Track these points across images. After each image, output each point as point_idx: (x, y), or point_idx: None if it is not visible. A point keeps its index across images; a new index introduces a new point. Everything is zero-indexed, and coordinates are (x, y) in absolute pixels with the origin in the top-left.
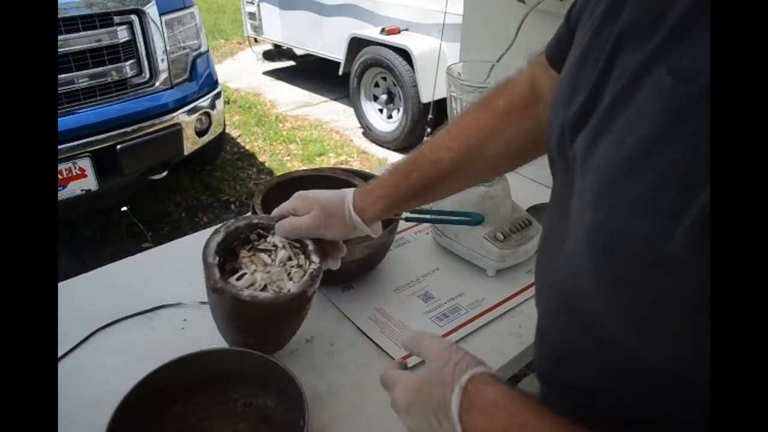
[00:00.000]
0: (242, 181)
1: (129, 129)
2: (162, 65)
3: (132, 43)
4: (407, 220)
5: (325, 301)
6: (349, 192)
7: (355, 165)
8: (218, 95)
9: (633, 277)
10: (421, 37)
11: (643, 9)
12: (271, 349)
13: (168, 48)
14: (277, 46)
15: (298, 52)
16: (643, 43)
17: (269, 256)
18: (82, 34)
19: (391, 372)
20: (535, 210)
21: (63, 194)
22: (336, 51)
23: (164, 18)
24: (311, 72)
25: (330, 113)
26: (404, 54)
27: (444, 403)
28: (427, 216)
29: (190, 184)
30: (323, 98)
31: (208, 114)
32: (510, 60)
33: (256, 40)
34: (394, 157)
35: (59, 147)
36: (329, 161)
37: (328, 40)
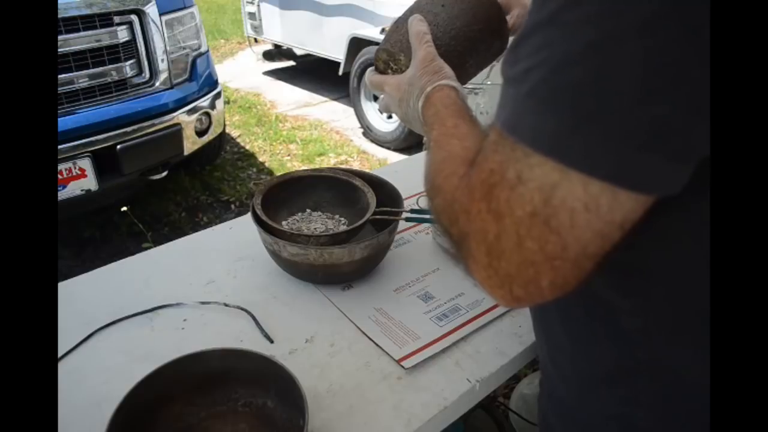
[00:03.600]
0: (242, 181)
1: (129, 129)
2: (162, 65)
3: (132, 43)
4: (407, 220)
5: (325, 301)
6: None
7: (355, 165)
8: (218, 95)
9: None
10: None
11: None
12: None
13: (168, 48)
14: (277, 46)
15: (298, 52)
16: None
17: None
18: (82, 34)
19: (376, 76)
20: None
21: (63, 194)
22: (336, 51)
23: (164, 18)
24: (311, 72)
25: (330, 113)
26: None
27: (416, 101)
28: (427, 216)
29: (190, 184)
30: (323, 98)
31: (208, 114)
32: None
33: (256, 40)
34: (394, 157)
35: (59, 147)
36: (329, 161)
37: (328, 40)
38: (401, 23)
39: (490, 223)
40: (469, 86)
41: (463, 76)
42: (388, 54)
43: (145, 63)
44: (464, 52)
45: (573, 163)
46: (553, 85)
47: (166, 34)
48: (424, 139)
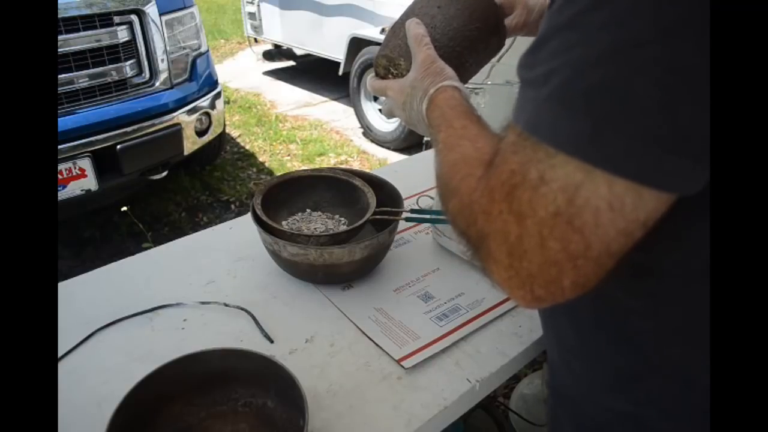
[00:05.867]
0: (242, 181)
1: (129, 129)
2: (162, 65)
3: (132, 43)
4: (407, 220)
5: (325, 301)
6: None
7: (355, 165)
8: (218, 95)
9: None
10: None
11: None
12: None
13: (168, 48)
14: (277, 46)
15: (298, 52)
16: None
17: None
18: (82, 34)
19: (378, 81)
20: None
21: (63, 194)
22: (336, 51)
23: (164, 18)
24: (311, 72)
25: (330, 113)
26: None
27: (419, 103)
28: (427, 216)
29: (190, 184)
30: (323, 98)
31: (208, 114)
32: (511, 60)
33: (256, 40)
34: (394, 157)
35: (59, 147)
36: (329, 161)
37: (328, 40)
38: (398, 27)
39: (512, 224)
40: (470, 86)
41: (464, 75)
42: (388, 59)
43: (145, 63)
44: (463, 52)
45: (598, 163)
46: (576, 87)
47: (166, 34)
48: (425, 139)
